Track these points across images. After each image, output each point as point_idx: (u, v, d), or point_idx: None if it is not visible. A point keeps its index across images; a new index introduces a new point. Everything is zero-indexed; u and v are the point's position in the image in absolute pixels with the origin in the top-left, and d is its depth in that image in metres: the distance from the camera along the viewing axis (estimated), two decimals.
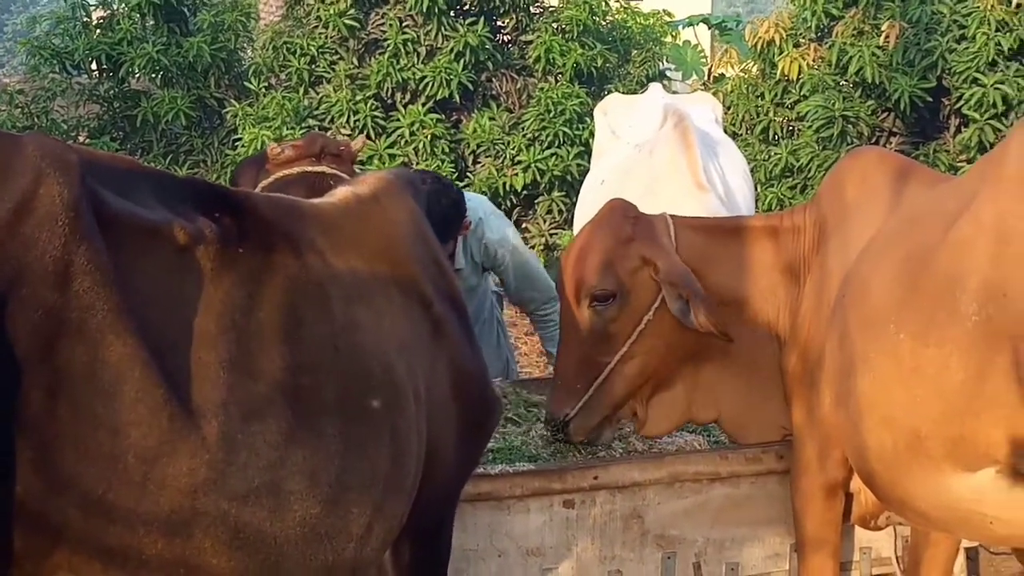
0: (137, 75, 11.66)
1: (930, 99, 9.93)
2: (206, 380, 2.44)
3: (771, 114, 10.91)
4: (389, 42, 10.97)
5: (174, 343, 2.42)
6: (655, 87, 7.31)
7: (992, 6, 9.55)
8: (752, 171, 10.24)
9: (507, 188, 10.80)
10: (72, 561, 2.34)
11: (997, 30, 9.49)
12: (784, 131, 10.88)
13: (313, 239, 2.87)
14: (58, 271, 2.22)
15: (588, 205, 6.61)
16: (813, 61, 10.51)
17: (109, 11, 11.93)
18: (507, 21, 11.74)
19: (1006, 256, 2.93)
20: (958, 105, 9.78)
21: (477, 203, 5.33)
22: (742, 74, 11.71)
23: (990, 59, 9.49)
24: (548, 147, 10.79)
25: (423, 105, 10.90)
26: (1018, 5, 9.50)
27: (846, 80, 10.32)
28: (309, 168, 4.43)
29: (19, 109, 11.40)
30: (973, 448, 3.09)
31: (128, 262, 2.37)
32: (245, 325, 2.56)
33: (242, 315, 2.56)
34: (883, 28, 9.98)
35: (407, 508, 2.99)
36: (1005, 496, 3.13)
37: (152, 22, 11.68)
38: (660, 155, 5.85)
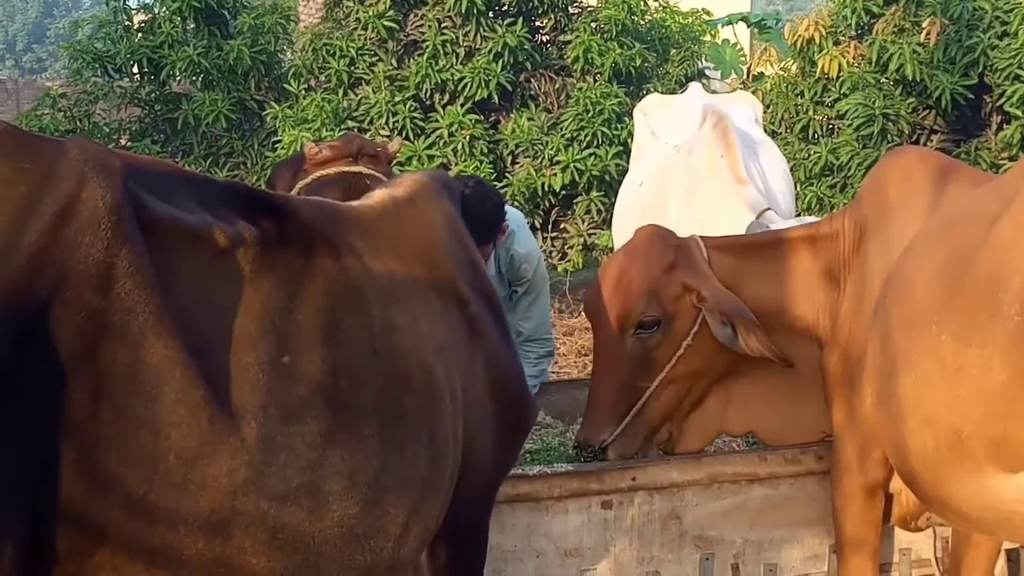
0: (178, 78, 11.72)
1: (971, 96, 9.85)
2: (246, 382, 2.46)
3: (811, 112, 10.87)
4: (428, 43, 10.99)
5: (214, 345, 2.45)
6: (694, 87, 7.30)
7: None
8: (792, 170, 10.20)
9: (546, 188, 10.79)
10: (114, 561, 2.36)
11: None
12: (824, 129, 10.83)
13: (351, 242, 2.89)
14: (101, 274, 2.25)
15: (627, 206, 6.63)
16: (853, 59, 10.46)
17: (150, 15, 12.00)
18: (545, 21, 11.73)
19: None
20: (1000, 102, 9.70)
21: (511, 215, 5.32)
22: (781, 72, 11.68)
23: None
24: (587, 147, 10.77)
25: (462, 106, 10.90)
26: None
27: (886, 78, 10.25)
28: (346, 168, 4.46)
29: (62, 112, 11.48)
30: (1016, 449, 3.07)
31: (169, 265, 2.39)
32: (284, 327, 2.58)
33: (281, 317, 2.58)
34: (924, 25, 9.92)
35: (444, 509, 3.00)
36: None
37: (193, 25, 11.74)
38: (699, 155, 5.85)
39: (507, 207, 5.30)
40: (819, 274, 4.24)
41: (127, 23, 11.90)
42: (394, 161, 4.73)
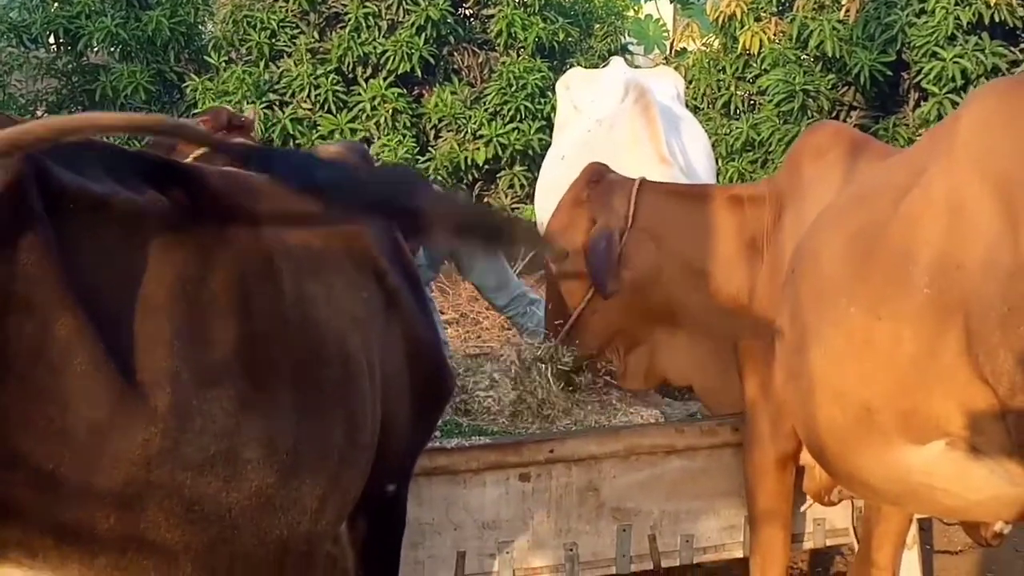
0: (96, 49, 11.56)
1: (890, 73, 9.93)
2: (157, 350, 2.42)
3: (732, 88, 10.92)
4: (350, 16, 10.90)
5: (124, 315, 2.40)
6: (617, 61, 7.31)
7: None
8: (713, 145, 10.25)
9: (469, 163, 10.78)
10: (24, 538, 2.32)
11: (956, 4, 9.48)
12: (745, 105, 10.89)
13: (265, 212, 2.86)
14: (3, 245, 2.20)
15: (549, 180, 6.64)
16: (774, 35, 10.51)
17: None
18: None
19: (958, 229, 2.93)
20: (917, 79, 9.79)
21: None
22: (704, 48, 11.72)
23: (949, 33, 9.49)
24: (510, 121, 10.77)
25: (384, 79, 10.84)
26: None
27: (807, 54, 10.31)
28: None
29: None
30: (924, 421, 3.10)
31: (76, 236, 2.34)
32: (197, 295, 2.54)
33: (194, 286, 2.54)
34: (843, 2, 9.99)
35: (362, 481, 2.99)
36: (954, 468, 3.15)
37: None
38: (621, 130, 5.86)
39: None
40: (745, 242, 4.27)
41: None
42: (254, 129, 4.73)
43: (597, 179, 4.53)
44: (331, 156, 3.27)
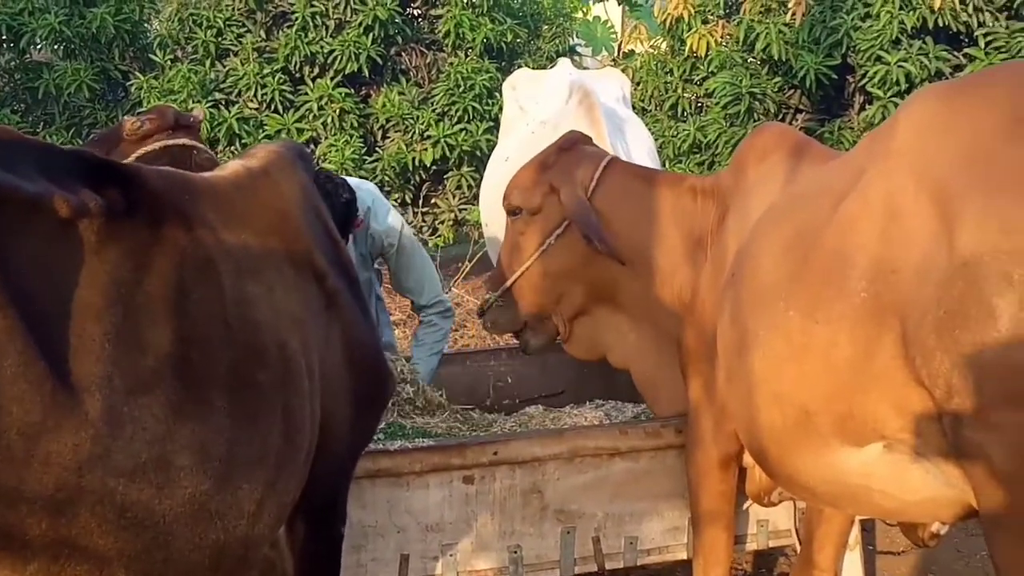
0: (39, 46, 11.42)
1: (835, 76, 9.99)
2: (90, 354, 2.39)
3: (680, 90, 10.94)
4: (297, 15, 10.84)
5: (56, 317, 2.37)
6: (563, 62, 7.30)
7: None
8: (660, 147, 10.32)
9: (416, 163, 10.75)
10: None
11: (901, 8, 9.55)
12: (692, 107, 10.92)
13: (204, 213, 2.83)
14: None
15: (493, 181, 6.62)
16: (721, 38, 10.54)
17: None
18: None
19: (895, 233, 2.95)
20: (862, 82, 9.85)
21: (365, 191, 5.26)
22: (651, 50, 11.75)
23: (893, 37, 9.56)
24: (457, 122, 10.75)
25: (331, 79, 10.79)
26: None
27: (753, 57, 10.36)
28: (169, 141, 4.37)
29: None
30: (861, 424, 3.12)
31: (7, 235, 2.31)
32: (132, 298, 2.51)
33: (128, 288, 2.51)
34: (790, 6, 10.02)
35: (301, 484, 2.97)
36: (892, 470, 3.16)
37: None
38: (564, 130, 5.83)
39: (359, 182, 5.25)
40: (694, 241, 4.27)
41: None
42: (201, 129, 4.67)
43: (569, 147, 4.59)
44: (266, 154, 3.24)
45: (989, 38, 9.54)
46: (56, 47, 11.36)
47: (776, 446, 3.47)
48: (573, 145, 4.61)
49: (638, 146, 6.16)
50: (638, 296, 4.36)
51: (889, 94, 9.53)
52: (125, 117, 4.56)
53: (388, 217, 5.47)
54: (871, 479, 3.23)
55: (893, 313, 2.92)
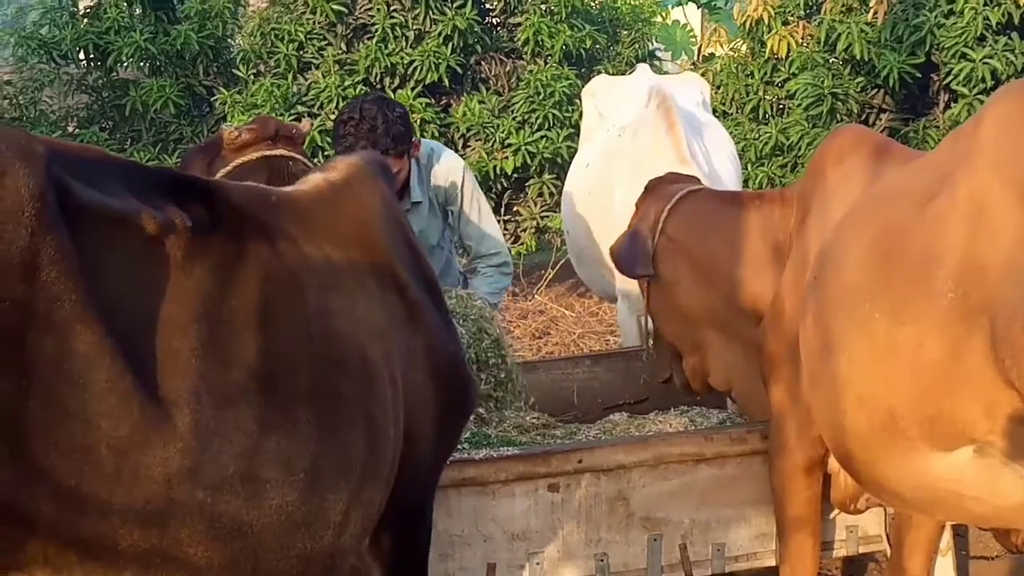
0: (125, 64, 11.57)
1: (919, 75, 9.89)
2: (177, 368, 2.43)
3: (761, 92, 10.86)
4: (377, 27, 10.91)
5: (144, 332, 2.42)
6: (642, 68, 7.29)
7: None
8: (742, 150, 10.26)
9: (497, 171, 10.76)
10: (47, 553, 2.33)
11: (985, 4, 9.44)
12: (774, 109, 10.83)
13: (286, 227, 2.87)
14: (24, 262, 2.21)
15: (574, 188, 6.63)
16: (802, 39, 10.46)
17: (96, 0, 11.84)
18: (495, 4, 11.67)
19: (982, 231, 2.90)
20: (947, 80, 9.74)
21: (430, 142, 5.45)
22: (731, 53, 11.67)
23: (978, 34, 9.45)
24: (538, 130, 10.75)
25: (412, 89, 10.83)
26: None
27: (835, 57, 10.27)
28: (268, 152, 4.39)
29: (7, 100, 11.34)
30: (950, 427, 3.06)
31: (96, 252, 2.36)
32: (217, 313, 2.55)
33: (214, 303, 2.55)
34: (871, 4, 9.94)
35: (385, 495, 2.99)
36: (983, 475, 3.11)
37: (139, 11, 11.58)
38: (644, 136, 5.86)
39: (425, 140, 5.44)
40: (770, 248, 4.26)
41: (73, 9, 11.76)
42: (305, 141, 4.68)
43: (652, 186, 4.70)
44: (347, 167, 3.27)
45: None
46: (142, 64, 11.53)
47: (863, 451, 3.42)
48: (658, 183, 4.73)
49: (718, 149, 6.15)
50: (723, 314, 4.37)
51: (974, 92, 9.42)
52: (224, 126, 4.58)
53: (451, 159, 5.52)
54: (961, 484, 3.18)
55: (981, 313, 2.87)
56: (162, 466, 2.38)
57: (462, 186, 5.48)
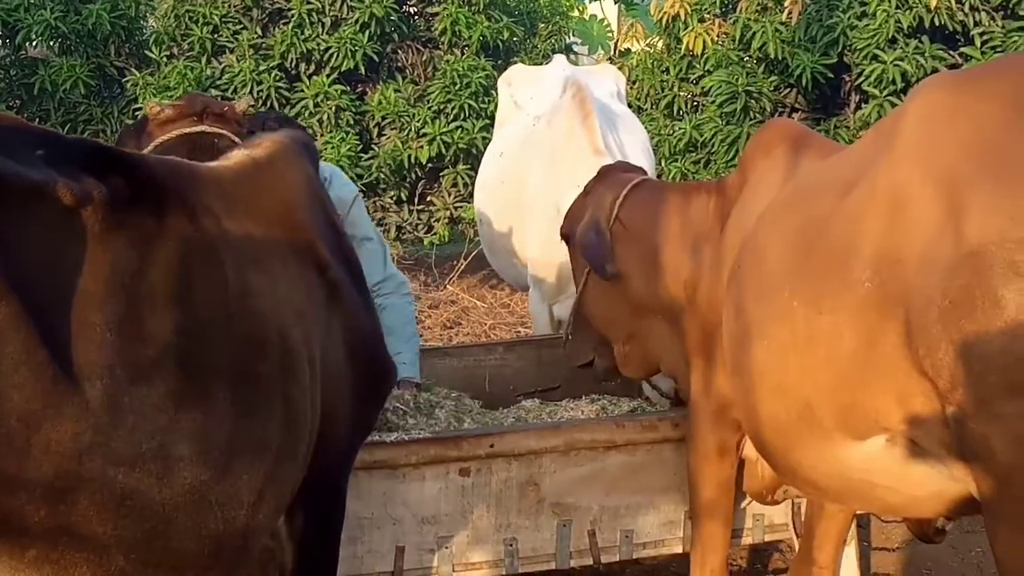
0: (34, 42, 11.39)
1: (831, 75, 10.00)
2: (92, 342, 2.40)
3: (676, 89, 10.93)
4: (293, 12, 10.84)
5: (59, 305, 2.37)
6: (558, 59, 7.32)
7: None
8: (656, 145, 10.32)
9: (412, 160, 10.75)
10: None
11: (897, 7, 9.57)
12: (689, 106, 10.91)
13: (208, 203, 2.84)
14: None
15: (488, 176, 6.64)
16: (717, 36, 10.53)
17: None
18: None
19: (899, 223, 2.93)
20: (859, 81, 9.86)
21: (328, 168, 5.15)
22: (647, 49, 11.73)
23: (890, 36, 9.57)
24: (454, 120, 10.76)
25: (328, 76, 10.80)
26: None
27: (749, 56, 10.36)
28: (188, 129, 4.34)
29: None
30: (863, 416, 3.09)
31: (9, 222, 2.31)
32: (135, 287, 2.52)
33: (131, 277, 2.52)
34: (786, 4, 10.02)
35: (301, 475, 2.98)
36: (895, 464, 3.14)
37: None
38: (558, 125, 5.87)
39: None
40: (694, 237, 4.29)
41: None
42: (244, 121, 4.59)
43: (603, 174, 4.73)
44: (271, 144, 3.24)
45: (985, 37, 9.57)
46: (52, 43, 11.32)
47: (780, 439, 3.46)
48: (608, 171, 4.75)
49: (632, 141, 6.18)
50: (666, 302, 4.37)
51: (885, 93, 9.55)
52: (148, 103, 4.51)
53: (343, 188, 5.22)
54: (874, 473, 3.22)
55: (897, 303, 2.90)
56: (73, 441, 2.34)
57: (347, 214, 5.08)
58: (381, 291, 5.19)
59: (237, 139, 4.27)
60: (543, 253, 5.80)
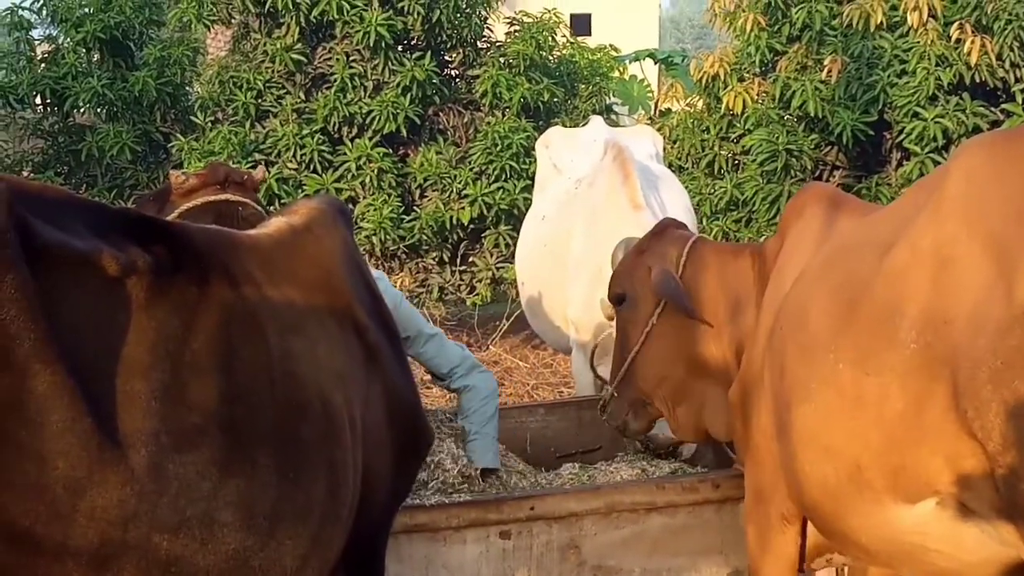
0: (82, 109, 11.58)
1: (872, 133, 10.01)
2: (136, 409, 2.43)
3: (716, 148, 10.95)
4: (336, 76, 10.95)
5: (104, 373, 2.42)
6: (596, 120, 7.33)
7: (932, 41, 9.66)
8: (698, 205, 10.33)
9: (454, 222, 10.80)
10: None
11: (937, 65, 9.59)
12: (729, 165, 10.91)
13: (248, 270, 2.88)
14: None
15: (530, 239, 6.65)
16: (757, 95, 10.56)
17: (54, 45, 11.83)
18: (454, 55, 11.77)
19: (946, 282, 2.90)
20: (899, 139, 9.87)
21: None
22: (688, 108, 11.77)
23: (930, 93, 9.59)
24: (495, 181, 10.81)
25: (370, 139, 10.88)
26: (957, 40, 9.60)
27: (790, 114, 10.37)
28: (213, 197, 4.39)
29: None
30: (914, 479, 3.04)
31: (57, 291, 2.36)
32: (179, 355, 2.55)
33: (175, 345, 2.56)
34: (826, 63, 10.05)
35: (344, 538, 2.99)
36: (946, 528, 3.08)
37: (97, 56, 11.62)
38: (599, 187, 5.89)
39: None
40: (739, 299, 4.27)
41: (30, 53, 11.75)
42: (261, 188, 4.64)
43: (661, 230, 4.68)
44: (308, 211, 3.29)
45: None
46: (99, 110, 11.52)
47: (828, 502, 3.39)
48: (665, 228, 4.70)
49: (673, 202, 6.19)
50: (721, 363, 4.33)
51: (926, 150, 9.55)
52: (172, 172, 4.59)
53: (389, 290, 4.77)
54: (926, 537, 3.15)
55: (945, 364, 2.87)
56: (119, 508, 2.37)
57: (397, 313, 4.58)
58: (459, 372, 5.02)
59: (259, 207, 4.33)
60: (586, 313, 5.80)
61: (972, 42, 9.44)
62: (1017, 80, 9.65)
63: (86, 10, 11.41)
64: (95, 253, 2.47)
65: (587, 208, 5.91)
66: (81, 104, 11.32)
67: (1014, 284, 2.72)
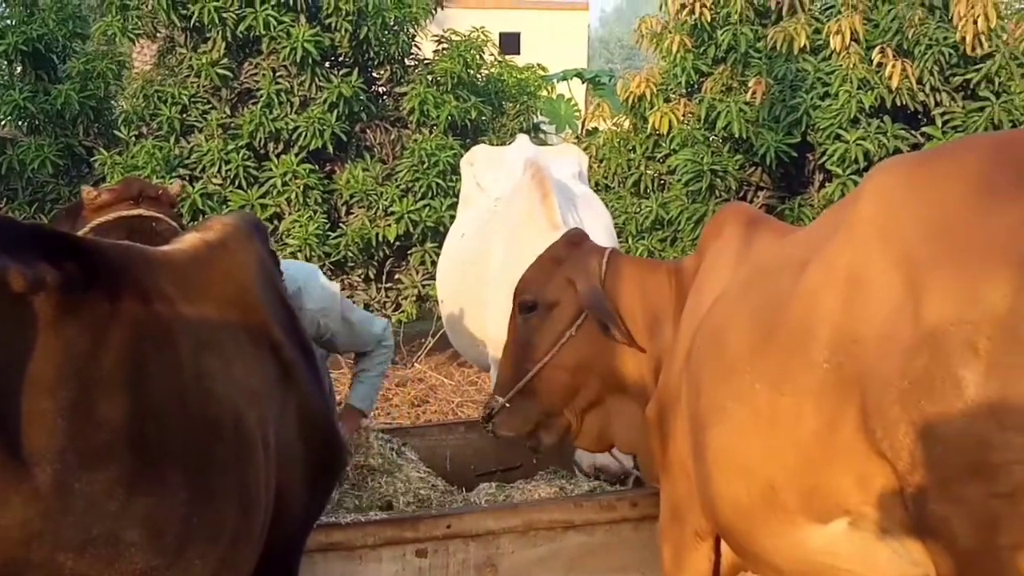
0: (3, 122, 11.45)
1: (795, 154, 10.14)
2: (42, 427, 2.40)
3: (642, 167, 11.03)
4: (262, 92, 10.93)
5: (8, 391, 2.38)
6: (522, 139, 7.33)
7: (854, 65, 9.80)
8: (623, 224, 10.39)
9: (380, 239, 10.81)
10: None
11: (859, 88, 9.73)
12: (655, 184, 11.00)
13: (162, 286, 2.85)
14: None
15: (451, 256, 6.64)
16: (683, 116, 10.66)
17: None
18: (381, 72, 11.78)
19: (856, 303, 2.92)
20: (822, 160, 10.00)
21: (295, 270, 4.94)
22: (614, 128, 11.85)
23: (852, 116, 9.73)
24: (421, 198, 10.83)
25: (296, 155, 10.87)
26: (879, 64, 9.74)
27: (715, 135, 10.48)
28: (125, 212, 4.35)
29: None
30: (826, 498, 3.05)
31: None
32: (88, 372, 2.52)
33: (85, 362, 2.52)
34: (750, 84, 10.16)
35: (255, 558, 2.97)
36: (858, 547, 3.09)
37: (19, 69, 11.49)
38: (517, 205, 5.88)
39: (293, 263, 5.06)
40: (664, 316, 4.27)
41: None
42: (177, 204, 4.60)
43: (577, 241, 4.60)
44: (223, 227, 3.27)
45: (946, 117, 9.74)
46: (20, 123, 11.38)
47: (743, 522, 3.40)
48: (582, 240, 4.63)
49: (593, 221, 6.18)
50: (633, 376, 4.34)
51: (848, 172, 9.69)
52: (83, 187, 4.53)
53: (323, 295, 5.10)
54: (837, 557, 3.17)
55: (855, 384, 2.89)
56: (22, 527, 2.34)
57: (334, 321, 5.11)
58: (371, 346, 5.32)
59: (173, 222, 4.30)
60: (504, 332, 5.79)
61: (893, 66, 9.60)
62: (937, 104, 9.82)
63: (8, 22, 11.31)
64: (1, 269, 2.43)
65: (506, 227, 5.90)
66: (2, 117, 11.18)
67: (921, 304, 2.75)
